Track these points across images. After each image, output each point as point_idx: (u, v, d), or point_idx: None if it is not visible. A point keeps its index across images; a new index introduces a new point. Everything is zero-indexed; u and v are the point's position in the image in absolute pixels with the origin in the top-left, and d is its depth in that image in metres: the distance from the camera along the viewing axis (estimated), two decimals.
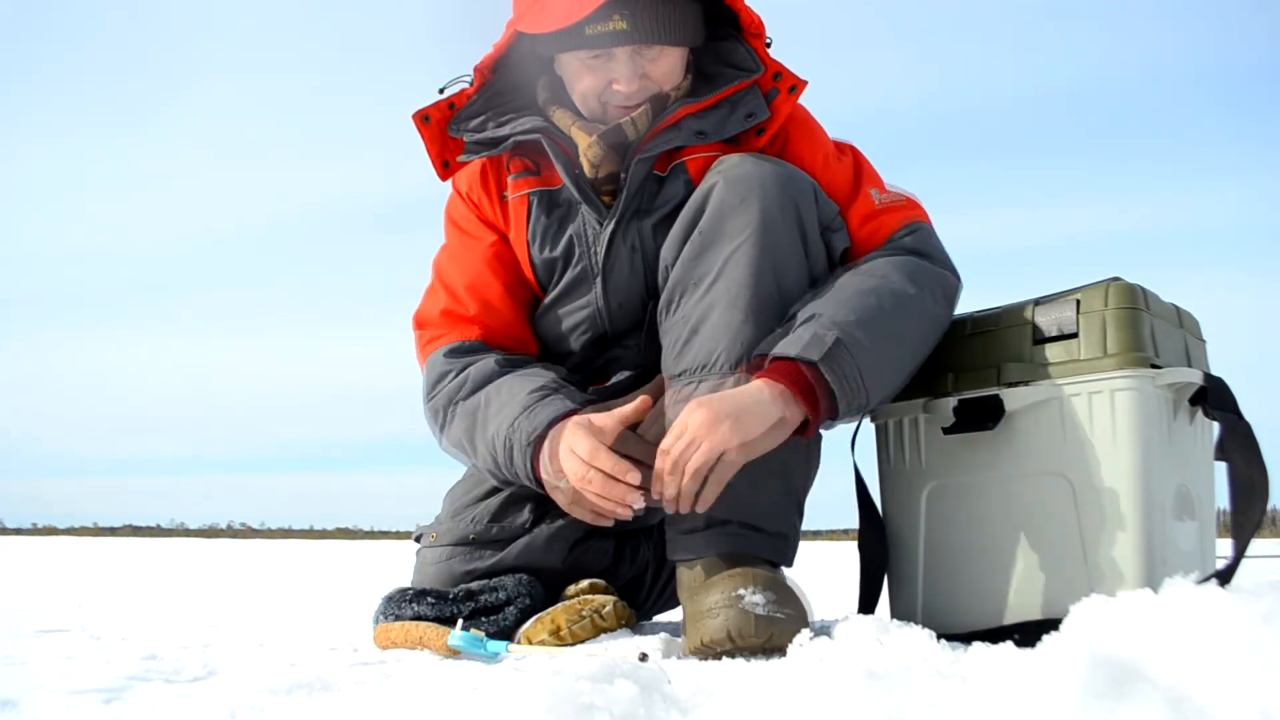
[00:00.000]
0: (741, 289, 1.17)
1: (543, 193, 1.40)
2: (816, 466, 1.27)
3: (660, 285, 1.27)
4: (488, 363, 1.38)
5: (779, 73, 1.33)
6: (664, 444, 1.12)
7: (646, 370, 1.37)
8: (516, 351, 1.44)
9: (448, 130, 1.42)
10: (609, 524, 1.22)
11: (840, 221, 1.28)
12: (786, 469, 1.18)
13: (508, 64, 1.42)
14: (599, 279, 1.36)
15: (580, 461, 1.14)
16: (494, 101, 1.42)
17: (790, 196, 1.20)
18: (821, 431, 1.26)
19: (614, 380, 1.40)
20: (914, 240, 1.29)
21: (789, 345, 1.12)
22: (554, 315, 1.42)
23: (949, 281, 1.28)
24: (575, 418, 1.21)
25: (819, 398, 1.12)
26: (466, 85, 1.42)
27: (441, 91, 1.42)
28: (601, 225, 1.35)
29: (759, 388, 1.11)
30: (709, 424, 1.08)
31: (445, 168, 1.44)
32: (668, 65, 1.32)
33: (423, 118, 1.42)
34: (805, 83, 1.34)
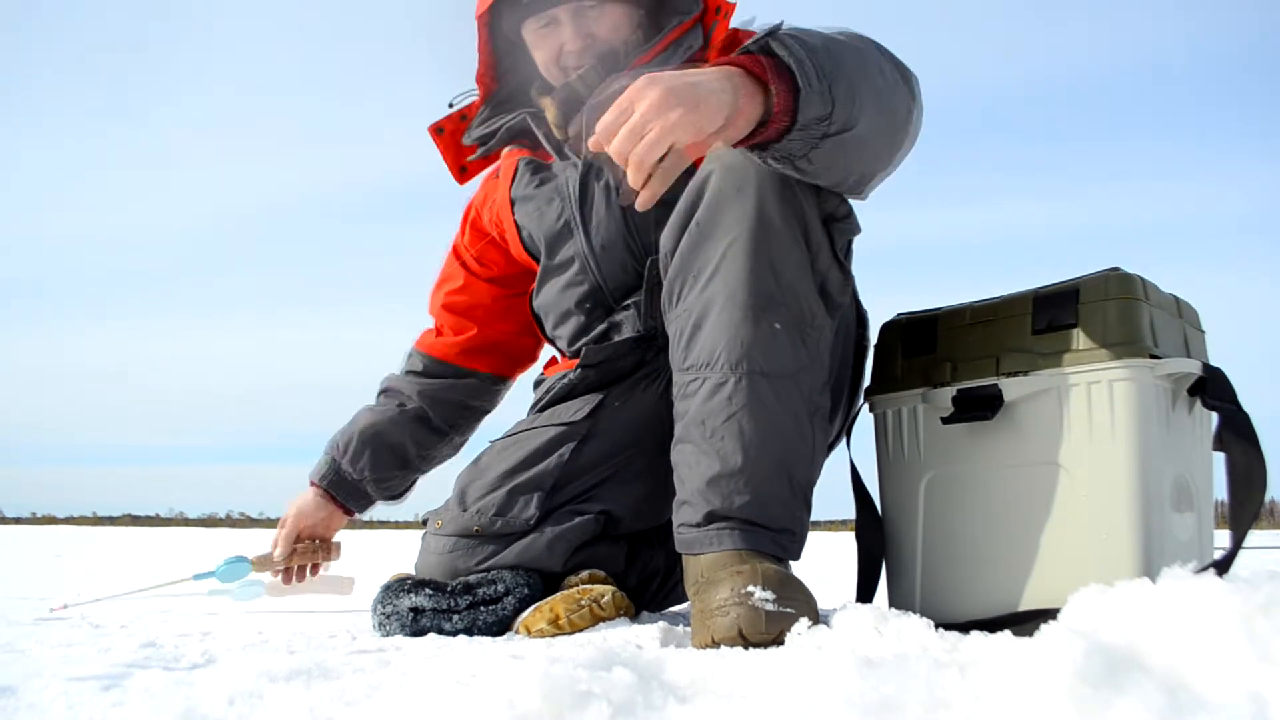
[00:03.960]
0: (739, 285, 1.15)
1: (532, 160, 1.51)
2: (822, 459, 1.27)
3: (661, 273, 1.28)
4: (390, 407, 1.75)
5: (720, 7, 1.40)
6: (605, 120, 1.00)
7: (648, 336, 1.42)
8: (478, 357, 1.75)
9: (461, 140, 1.57)
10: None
11: (846, 209, 1.25)
12: (790, 463, 1.17)
13: (506, 71, 1.54)
14: (579, 226, 1.44)
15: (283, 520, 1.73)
16: (499, 109, 1.54)
17: (789, 186, 1.18)
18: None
19: (614, 340, 1.45)
20: None
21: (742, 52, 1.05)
22: (550, 282, 1.51)
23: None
24: (316, 493, 1.76)
25: (778, 81, 1.01)
26: (475, 99, 1.56)
27: (451, 106, 1.58)
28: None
29: (714, 70, 1.01)
30: (660, 106, 0.96)
31: (462, 173, 1.59)
32: (612, 21, 1.40)
33: (437, 130, 1.57)
34: (733, 5, 1.40)
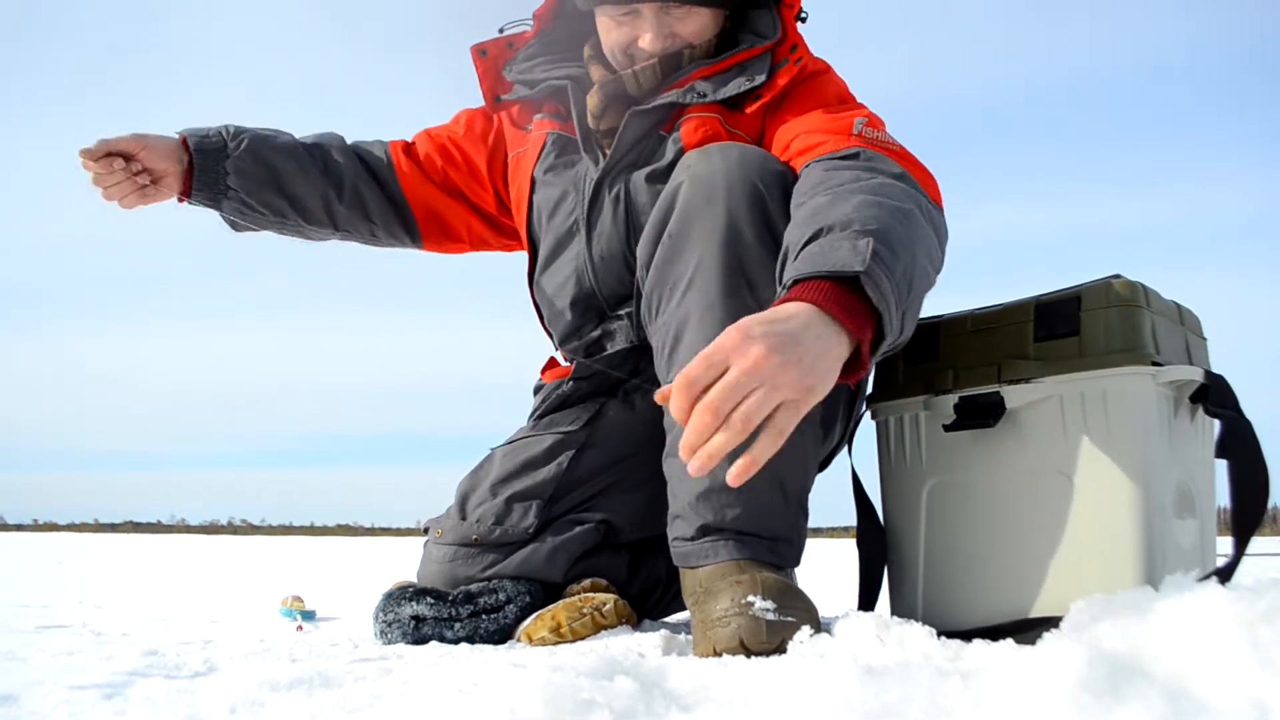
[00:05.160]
0: (714, 298, 1.15)
1: (561, 136, 1.46)
2: (815, 465, 1.26)
3: (639, 283, 1.28)
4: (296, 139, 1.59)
5: (795, 44, 1.35)
6: (691, 371, 0.83)
7: (642, 345, 1.40)
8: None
9: (503, 71, 1.52)
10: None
11: None
12: (780, 474, 1.16)
13: (563, 15, 1.49)
14: (584, 230, 1.41)
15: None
16: (549, 49, 1.49)
17: (757, 193, 1.16)
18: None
19: (609, 351, 1.44)
20: (893, 166, 1.14)
21: (821, 259, 0.92)
22: (547, 272, 1.49)
23: (938, 219, 1.13)
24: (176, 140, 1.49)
25: (866, 323, 0.91)
26: (527, 29, 1.51)
27: (501, 31, 1.53)
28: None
29: (810, 314, 0.87)
30: (763, 368, 0.82)
31: (496, 102, 1.53)
32: (697, 25, 1.35)
33: (480, 51, 1.52)
34: (808, 49, 1.36)
